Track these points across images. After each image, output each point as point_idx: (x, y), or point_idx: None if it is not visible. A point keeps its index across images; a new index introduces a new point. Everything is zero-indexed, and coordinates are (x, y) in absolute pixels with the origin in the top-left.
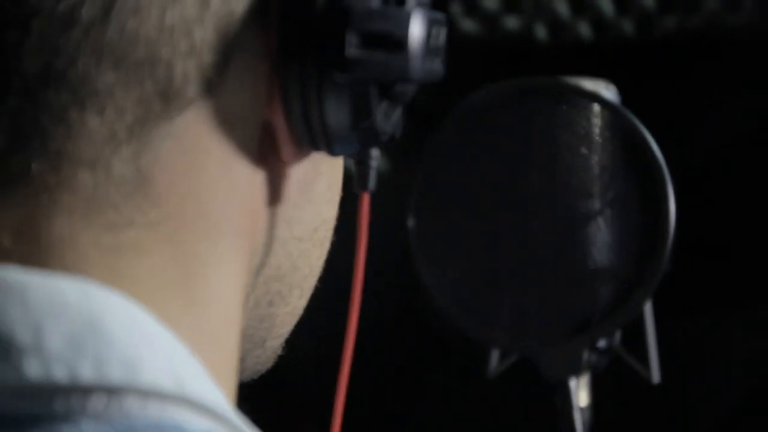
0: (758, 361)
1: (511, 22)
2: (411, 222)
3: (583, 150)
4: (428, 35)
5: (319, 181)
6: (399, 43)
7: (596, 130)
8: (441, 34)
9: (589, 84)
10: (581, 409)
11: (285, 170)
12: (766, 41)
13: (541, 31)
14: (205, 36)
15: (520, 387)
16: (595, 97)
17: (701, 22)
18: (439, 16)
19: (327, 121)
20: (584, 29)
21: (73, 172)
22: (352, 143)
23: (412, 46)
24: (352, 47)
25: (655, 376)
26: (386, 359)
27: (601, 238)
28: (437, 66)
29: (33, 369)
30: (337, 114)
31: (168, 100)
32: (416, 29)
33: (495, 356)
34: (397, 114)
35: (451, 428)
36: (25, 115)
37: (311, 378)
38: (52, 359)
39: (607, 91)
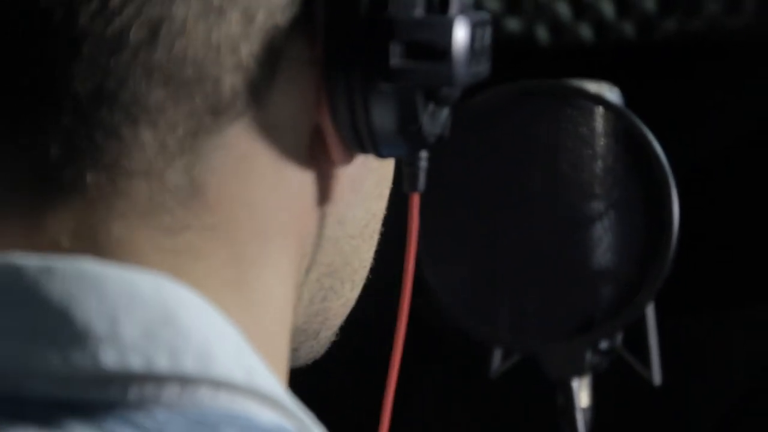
0: (759, 362)
1: (512, 24)
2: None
3: (587, 152)
4: (472, 39)
5: (369, 177)
6: (443, 51)
7: (600, 132)
8: (486, 35)
9: (593, 86)
10: (583, 410)
11: (336, 171)
12: (767, 43)
13: (542, 33)
14: (251, 50)
15: (521, 387)
16: (599, 100)
17: (702, 24)
18: (484, 16)
19: (374, 128)
20: (585, 31)
21: (129, 182)
22: (400, 147)
23: (456, 52)
24: (396, 57)
25: (657, 377)
26: (385, 358)
27: (604, 239)
28: (483, 67)
29: (110, 357)
30: (383, 120)
31: (217, 113)
32: (460, 35)
33: (497, 356)
34: (444, 114)
35: (452, 428)
36: (79, 132)
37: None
38: (128, 348)
39: (611, 93)
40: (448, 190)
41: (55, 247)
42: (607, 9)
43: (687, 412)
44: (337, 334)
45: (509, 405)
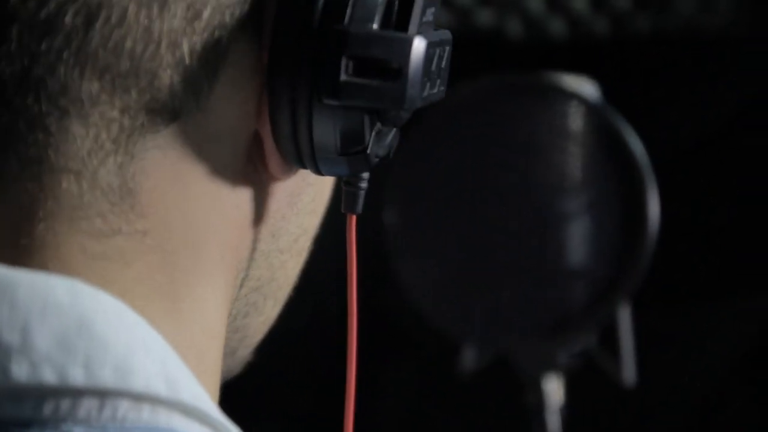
0: (732, 361)
1: (483, 17)
2: (388, 217)
3: (563, 147)
4: (429, 60)
5: (306, 192)
6: (396, 71)
7: (577, 128)
8: (445, 56)
9: (571, 81)
10: (556, 409)
11: (273, 183)
12: (740, 41)
13: (513, 27)
14: (193, 49)
15: (493, 385)
16: (577, 95)
17: (675, 21)
18: (445, 35)
19: (314, 145)
20: (557, 26)
21: (57, 180)
22: (341, 167)
23: (410, 73)
24: (346, 73)
25: (630, 378)
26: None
27: (579, 236)
28: (438, 90)
29: (21, 370)
30: (325, 138)
31: (154, 112)
32: (416, 55)
33: (469, 354)
34: (392, 136)
35: (422, 426)
36: (1, 120)
37: (274, 377)
38: (41, 360)
39: (589, 88)
40: (420, 186)
41: None
42: (580, 4)
43: (660, 411)
44: (254, 354)
45: (481, 403)
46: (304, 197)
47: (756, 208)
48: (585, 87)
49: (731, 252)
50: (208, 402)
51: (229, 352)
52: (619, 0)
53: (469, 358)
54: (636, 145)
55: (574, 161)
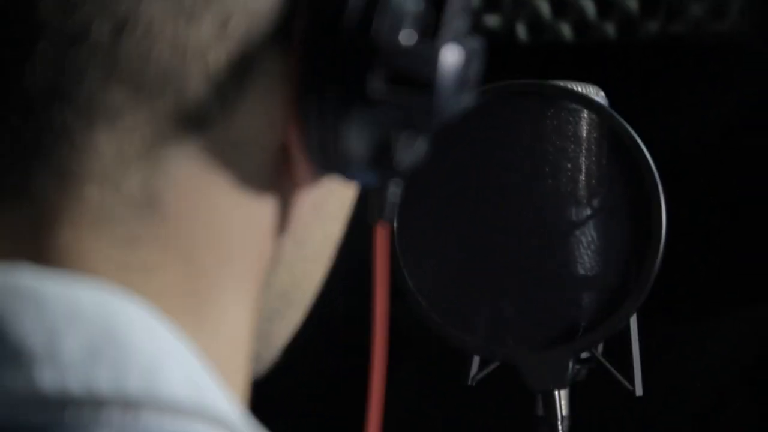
0: (738, 371)
1: (492, 21)
2: (394, 225)
3: (571, 154)
4: (460, 71)
5: (331, 200)
6: (426, 82)
7: (585, 135)
8: (476, 64)
9: (579, 88)
10: (561, 419)
11: (298, 192)
12: (749, 46)
13: (522, 31)
14: (221, 58)
15: (500, 393)
16: (586, 101)
17: (685, 26)
18: (476, 44)
19: (344, 153)
20: (566, 30)
21: (80, 188)
22: (370, 175)
23: (439, 84)
24: (375, 83)
25: (639, 388)
26: (360, 362)
27: (588, 245)
28: (467, 98)
29: (47, 378)
30: (354, 146)
31: (180, 122)
32: (446, 66)
33: (476, 362)
34: (420, 143)
35: None
36: (27, 133)
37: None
38: (66, 368)
39: (597, 96)
40: (426, 192)
41: None
42: (589, 8)
43: (664, 418)
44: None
45: (486, 411)
46: (328, 205)
47: (761, 215)
48: (593, 92)
49: (735, 258)
50: (234, 411)
51: (253, 358)
52: (627, 4)
53: (474, 365)
54: (645, 151)
55: (582, 167)
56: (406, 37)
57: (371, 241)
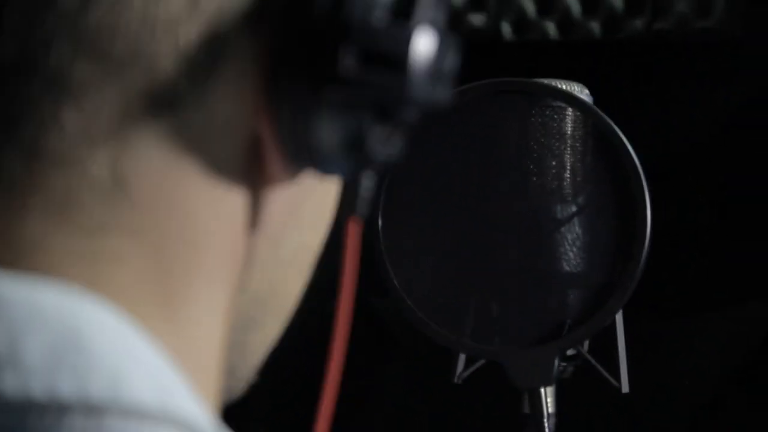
0: (726, 369)
1: (477, 19)
2: (379, 223)
3: (557, 152)
4: (435, 56)
5: (307, 202)
6: (398, 62)
7: (570, 132)
8: (450, 57)
9: (564, 86)
10: (548, 416)
11: (273, 186)
12: (733, 43)
13: (506, 29)
14: (191, 34)
15: (486, 391)
16: (571, 99)
17: (669, 23)
18: (452, 37)
19: (316, 139)
20: (550, 28)
21: (46, 171)
22: (342, 164)
23: (412, 66)
24: (346, 63)
25: (625, 385)
26: (345, 361)
27: (573, 242)
28: (442, 90)
29: (8, 383)
30: (327, 133)
31: (149, 100)
32: (420, 48)
33: (461, 360)
34: (397, 137)
35: (413, 431)
36: None
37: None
38: (29, 373)
39: (582, 94)
40: (412, 191)
41: None
42: (574, 6)
43: (652, 416)
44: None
45: (473, 409)
46: (305, 208)
47: (748, 212)
48: (578, 89)
49: (723, 256)
50: (201, 413)
51: (229, 370)
52: (612, 2)
53: (461, 363)
54: (630, 150)
55: (568, 165)
56: (379, 18)
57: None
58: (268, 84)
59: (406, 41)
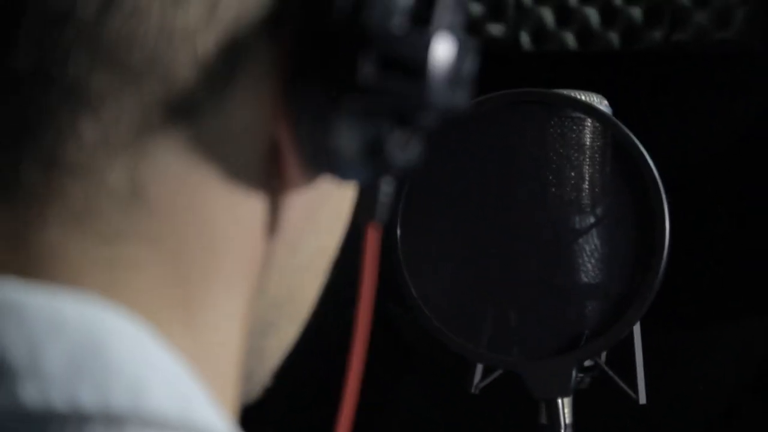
0: (742, 380)
1: (496, 29)
2: (397, 232)
3: (575, 163)
4: (455, 62)
5: (324, 207)
6: (417, 68)
7: (589, 143)
8: (469, 62)
9: (582, 97)
10: (565, 426)
11: (290, 192)
12: (753, 55)
13: (525, 39)
14: (209, 43)
15: (503, 401)
16: (590, 110)
17: (688, 34)
18: (470, 41)
19: (335, 146)
20: (569, 38)
21: (63, 180)
22: (361, 170)
23: (431, 72)
24: (365, 70)
25: (642, 396)
26: (363, 370)
27: (591, 253)
28: (461, 95)
29: (29, 394)
30: (346, 139)
31: (167, 109)
32: (439, 54)
33: (479, 370)
34: (416, 143)
35: None
36: (14, 116)
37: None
38: (49, 383)
39: (601, 104)
40: (431, 200)
41: None
42: (593, 17)
43: (670, 429)
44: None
45: (490, 419)
46: (322, 213)
47: (766, 223)
48: (597, 100)
49: (741, 267)
50: (219, 421)
51: (246, 375)
52: (631, 12)
53: (478, 373)
54: (649, 161)
55: (586, 176)
56: (398, 25)
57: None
58: (286, 90)
59: (425, 47)
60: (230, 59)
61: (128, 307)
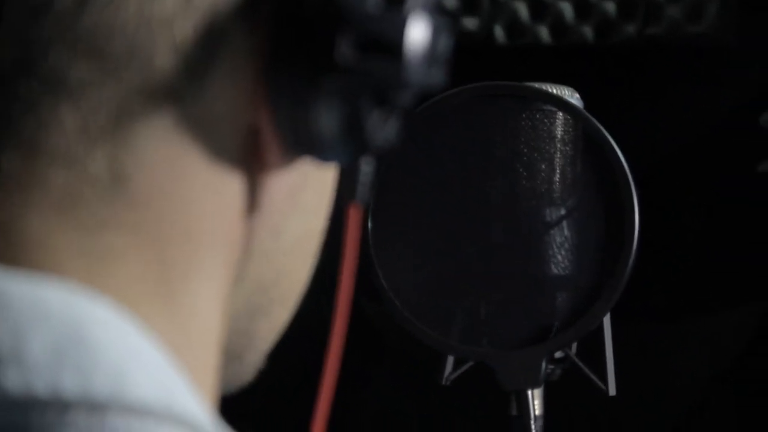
0: (712, 372)
1: (470, 23)
2: (369, 224)
3: (546, 155)
4: (429, 40)
5: (307, 189)
6: (394, 47)
7: (560, 136)
8: (444, 41)
9: (554, 90)
10: (535, 418)
11: (272, 175)
12: (725, 48)
13: (500, 33)
14: (187, 30)
15: (474, 393)
16: (561, 103)
17: (661, 29)
18: (444, 21)
19: (315, 127)
20: (543, 32)
21: (46, 169)
22: (341, 151)
23: (408, 51)
24: (343, 50)
25: (612, 388)
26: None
27: (562, 246)
28: (437, 74)
29: (11, 379)
30: (325, 119)
31: (147, 96)
32: (414, 33)
33: (450, 362)
34: (393, 121)
35: None
36: None
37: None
38: (31, 370)
39: (572, 97)
40: (402, 192)
41: None
42: (567, 10)
43: (640, 419)
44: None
45: (461, 411)
46: (305, 196)
47: (737, 216)
48: (568, 93)
49: (710, 259)
50: (202, 411)
51: (235, 357)
52: (605, 6)
53: (449, 366)
54: (619, 154)
55: (557, 169)
56: (374, 4)
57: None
58: (265, 74)
59: (401, 26)
60: (208, 45)
61: (110, 296)
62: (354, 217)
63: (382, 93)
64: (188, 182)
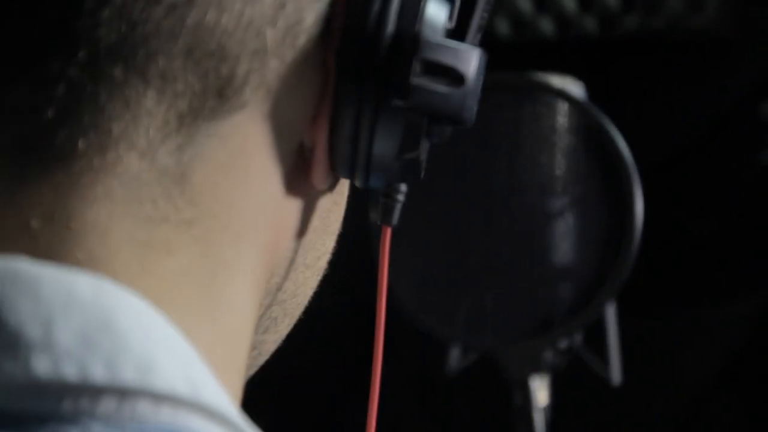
0: (717, 363)
1: None
2: (373, 217)
3: (549, 147)
4: (482, 74)
5: (333, 212)
6: (460, 77)
7: (562, 128)
8: (483, 77)
9: (557, 80)
10: (540, 409)
11: (313, 194)
12: (727, 42)
13: (502, 27)
14: (274, 38)
15: (479, 385)
16: (563, 94)
17: (663, 21)
18: (484, 54)
19: (374, 147)
20: (546, 26)
21: (120, 156)
22: (388, 174)
23: (472, 82)
24: (417, 75)
25: (616, 377)
26: (341, 354)
27: (565, 236)
28: (474, 107)
29: (42, 366)
30: (385, 141)
31: (224, 98)
32: (476, 65)
33: (455, 353)
34: (426, 150)
35: (407, 426)
36: (84, 88)
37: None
38: (62, 356)
39: (575, 87)
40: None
41: (22, 229)
42: (569, 4)
43: (645, 411)
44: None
45: (466, 402)
46: (332, 216)
47: (742, 211)
48: (571, 86)
49: (716, 254)
50: (228, 403)
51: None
52: (607, 1)
53: (454, 357)
54: (622, 144)
55: (560, 161)
56: (442, 33)
57: (348, 238)
58: (331, 91)
59: (467, 57)
60: (288, 58)
61: (155, 287)
62: (387, 240)
63: (437, 120)
64: (242, 185)
